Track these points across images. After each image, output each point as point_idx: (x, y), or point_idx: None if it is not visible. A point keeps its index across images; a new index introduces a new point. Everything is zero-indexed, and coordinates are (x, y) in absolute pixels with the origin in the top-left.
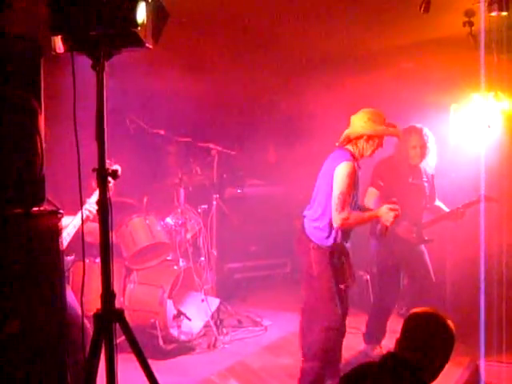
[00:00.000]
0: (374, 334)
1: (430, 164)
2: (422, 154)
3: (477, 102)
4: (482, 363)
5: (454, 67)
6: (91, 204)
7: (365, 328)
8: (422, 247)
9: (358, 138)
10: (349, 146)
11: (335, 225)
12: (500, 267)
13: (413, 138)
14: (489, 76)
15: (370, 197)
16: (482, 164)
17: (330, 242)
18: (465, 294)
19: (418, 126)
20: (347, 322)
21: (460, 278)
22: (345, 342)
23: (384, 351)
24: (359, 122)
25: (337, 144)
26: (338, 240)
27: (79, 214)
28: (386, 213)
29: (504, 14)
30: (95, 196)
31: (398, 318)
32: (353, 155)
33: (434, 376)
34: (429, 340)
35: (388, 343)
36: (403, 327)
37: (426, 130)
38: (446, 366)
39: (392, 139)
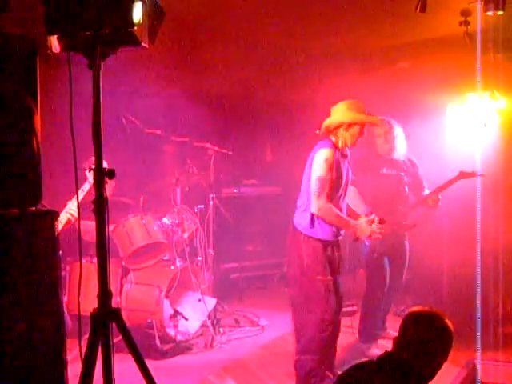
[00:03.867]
0: (367, 332)
1: (399, 152)
2: (388, 142)
3: (473, 102)
4: (479, 362)
5: (450, 67)
6: (71, 208)
7: (358, 325)
8: (406, 243)
9: (338, 127)
10: (330, 137)
11: (312, 210)
12: (496, 267)
13: (376, 128)
14: (485, 75)
15: (350, 194)
16: (479, 163)
17: (319, 233)
18: (461, 293)
19: (382, 117)
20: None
21: (457, 278)
22: (342, 340)
23: (381, 351)
24: (338, 112)
25: (317, 132)
26: (331, 235)
27: (69, 203)
28: (364, 228)
29: (500, 13)
30: (75, 200)
31: (395, 318)
32: (334, 144)
33: (432, 375)
34: (427, 340)
35: (385, 343)
36: (401, 327)
37: (390, 120)
38: (444, 365)
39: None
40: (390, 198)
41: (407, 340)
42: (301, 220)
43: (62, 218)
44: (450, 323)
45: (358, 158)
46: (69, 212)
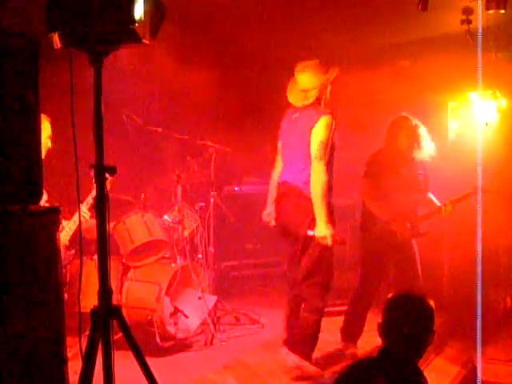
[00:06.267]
0: (351, 331)
1: (424, 153)
2: (408, 138)
3: (474, 101)
4: (479, 361)
5: (451, 65)
6: (83, 210)
7: (342, 323)
8: (414, 244)
9: (323, 92)
10: (320, 105)
11: (315, 174)
12: (497, 266)
13: (399, 122)
14: (486, 74)
15: (366, 188)
16: (480, 162)
17: None
18: (462, 292)
19: (406, 114)
20: None
21: (457, 277)
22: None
23: (358, 350)
24: (316, 77)
25: (304, 104)
26: None
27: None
28: (328, 228)
29: (502, 11)
30: (86, 203)
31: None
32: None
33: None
34: (417, 328)
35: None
36: (387, 315)
37: (415, 120)
38: (444, 364)
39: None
40: (407, 200)
41: (397, 330)
42: (301, 179)
43: (76, 218)
44: (431, 302)
45: (380, 157)
46: (81, 215)
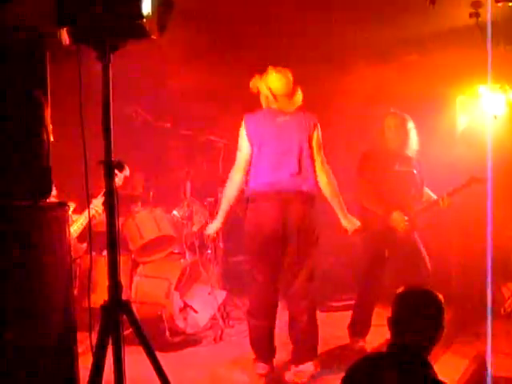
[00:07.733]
0: (358, 328)
1: (412, 148)
2: (399, 136)
3: (483, 94)
4: (489, 356)
5: (460, 59)
6: (96, 205)
7: (349, 320)
8: (416, 236)
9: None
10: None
11: (330, 175)
12: (507, 260)
13: (387, 120)
14: (495, 67)
15: (361, 186)
16: (489, 156)
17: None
18: (471, 287)
19: (393, 110)
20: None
21: (466, 272)
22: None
23: (367, 345)
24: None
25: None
26: None
27: (94, 200)
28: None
29: (511, 4)
30: (100, 198)
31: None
32: None
33: (433, 347)
34: (426, 322)
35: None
36: (396, 309)
37: (403, 114)
38: (453, 359)
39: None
40: (403, 195)
41: (407, 324)
42: (308, 183)
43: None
44: (441, 297)
45: (373, 156)
46: (94, 208)
